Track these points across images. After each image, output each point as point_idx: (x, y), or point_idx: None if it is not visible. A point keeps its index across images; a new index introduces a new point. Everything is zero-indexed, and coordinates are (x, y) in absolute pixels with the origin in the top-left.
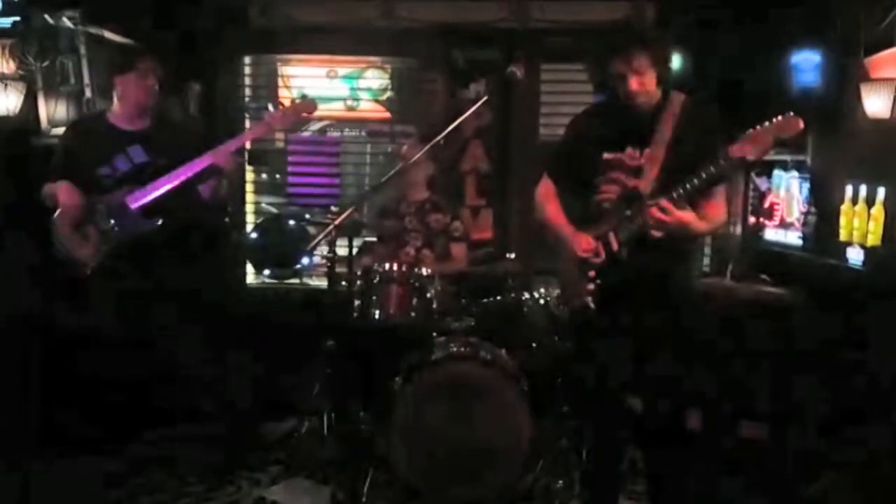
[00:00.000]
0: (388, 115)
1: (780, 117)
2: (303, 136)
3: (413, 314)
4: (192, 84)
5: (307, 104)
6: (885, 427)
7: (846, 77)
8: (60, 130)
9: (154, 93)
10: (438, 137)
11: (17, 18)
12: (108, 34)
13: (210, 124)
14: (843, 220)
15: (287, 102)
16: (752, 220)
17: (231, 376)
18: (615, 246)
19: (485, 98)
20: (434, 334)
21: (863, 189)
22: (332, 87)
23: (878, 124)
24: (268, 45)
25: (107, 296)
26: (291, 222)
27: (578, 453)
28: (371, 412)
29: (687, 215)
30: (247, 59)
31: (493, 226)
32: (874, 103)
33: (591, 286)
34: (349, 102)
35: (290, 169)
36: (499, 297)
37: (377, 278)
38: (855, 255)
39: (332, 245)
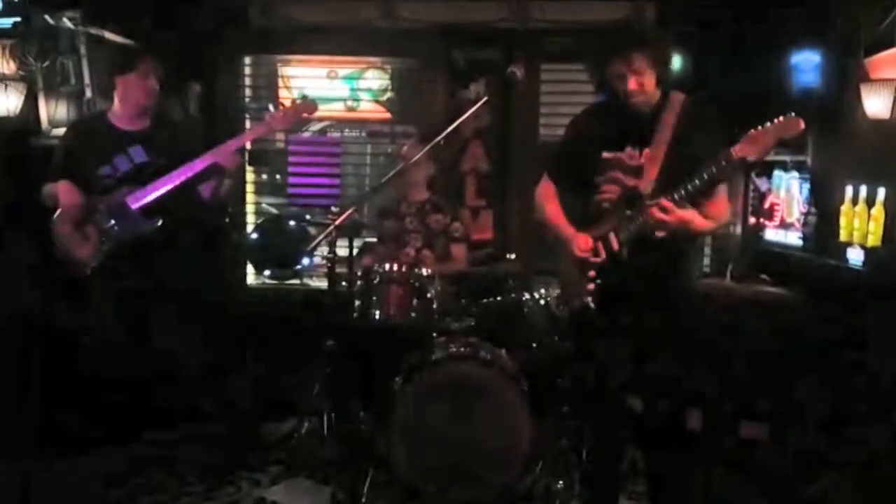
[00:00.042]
0: (388, 115)
1: (781, 118)
2: (303, 136)
3: (413, 314)
4: (193, 84)
5: (307, 104)
6: (885, 427)
7: (846, 77)
8: (61, 131)
9: (154, 93)
10: (438, 138)
11: (18, 19)
12: (108, 34)
13: (210, 124)
14: (843, 221)
15: (287, 103)
16: (752, 220)
17: (231, 376)
18: (615, 246)
19: (485, 98)
20: (434, 334)
21: (863, 189)
22: (333, 87)
23: (878, 125)
24: (268, 45)
25: (107, 296)
26: (292, 223)
27: (578, 453)
28: (371, 412)
29: (688, 214)
30: (247, 59)
31: (493, 226)
32: (874, 104)
33: (591, 286)
34: (349, 103)
35: (290, 169)
36: (499, 298)
37: (377, 279)
38: (855, 256)
39: (332, 245)
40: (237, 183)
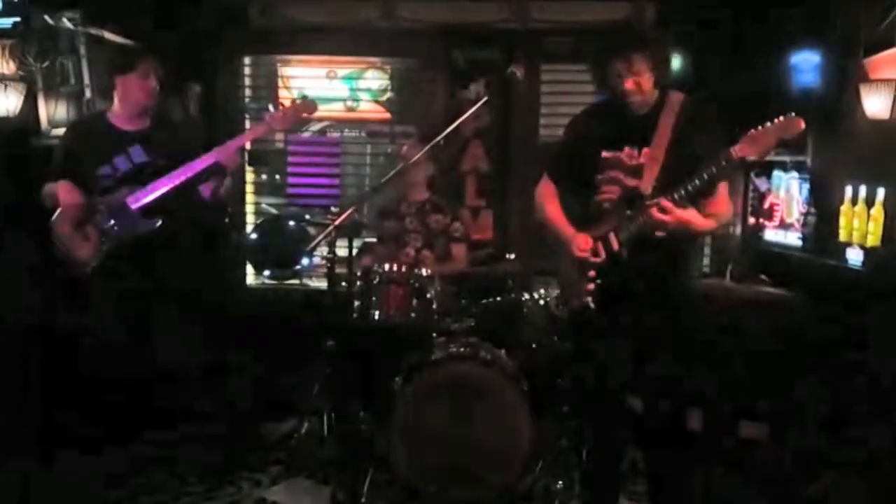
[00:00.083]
0: (388, 115)
1: (781, 118)
2: (303, 136)
3: (413, 315)
4: (193, 84)
5: (307, 105)
6: (886, 427)
7: (846, 77)
8: (60, 131)
9: (154, 93)
10: (438, 138)
11: (18, 19)
12: (108, 35)
13: (210, 124)
14: (842, 221)
15: (287, 103)
16: (751, 220)
17: (231, 376)
18: (615, 246)
19: (485, 98)
20: (434, 335)
21: (862, 190)
22: (332, 87)
23: (877, 125)
24: (268, 45)
25: (107, 296)
26: (291, 223)
27: (578, 453)
28: (371, 412)
29: (688, 214)
30: (247, 60)
31: (493, 226)
32: (874, 104)
33: (591, 286)
34: (349, 103)
35: (290, 169)
36: (499, 298)
37: (377, 279)
38: (855, 256)
39: (332, 246)
40: (237, 183)
